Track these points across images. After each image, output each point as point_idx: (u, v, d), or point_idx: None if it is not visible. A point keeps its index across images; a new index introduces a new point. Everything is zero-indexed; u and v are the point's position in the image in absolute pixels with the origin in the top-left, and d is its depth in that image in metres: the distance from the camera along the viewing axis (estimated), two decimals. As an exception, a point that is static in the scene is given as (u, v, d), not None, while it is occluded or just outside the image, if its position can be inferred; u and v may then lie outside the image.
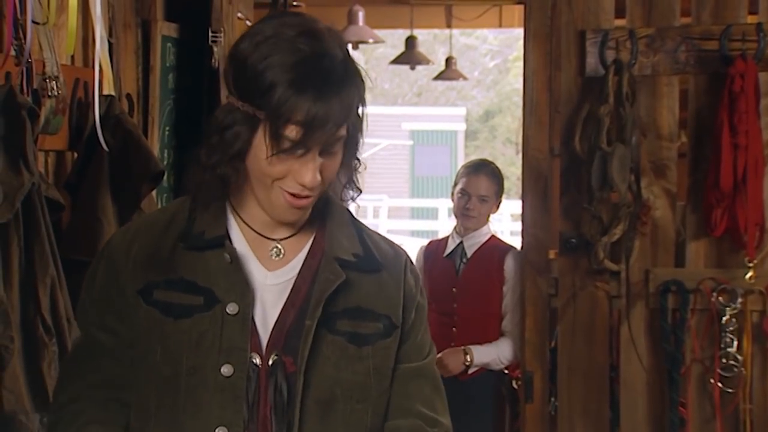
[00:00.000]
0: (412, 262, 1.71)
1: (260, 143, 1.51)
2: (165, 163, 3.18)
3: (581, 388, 3.57)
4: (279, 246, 1.61)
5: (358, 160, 1.61)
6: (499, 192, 3.90)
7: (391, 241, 1.72)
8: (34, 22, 2.17)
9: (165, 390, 1.56)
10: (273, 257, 1.61)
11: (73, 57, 2.56)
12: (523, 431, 3.66)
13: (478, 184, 3.86)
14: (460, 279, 3.83)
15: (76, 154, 2.57)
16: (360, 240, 1.65)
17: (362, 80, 1.54)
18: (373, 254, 1.65)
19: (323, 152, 1.52)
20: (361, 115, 1.55)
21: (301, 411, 1.55)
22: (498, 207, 3.92)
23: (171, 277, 1.57)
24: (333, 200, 1.65)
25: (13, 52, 2.12)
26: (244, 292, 1.56)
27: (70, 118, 2.50)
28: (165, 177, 2.79)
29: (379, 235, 1.71)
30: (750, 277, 3.40)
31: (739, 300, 3.41)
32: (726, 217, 3.35)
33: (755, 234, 3.36)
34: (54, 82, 2.29)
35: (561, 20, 3.52)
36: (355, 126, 1.55)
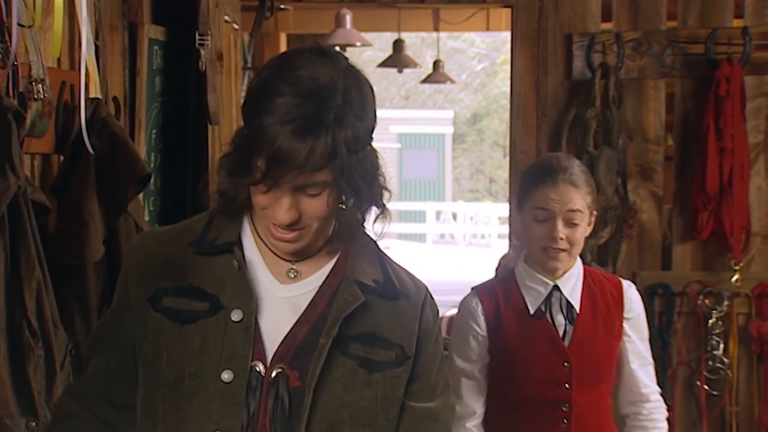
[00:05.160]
0: (432, 298, 1.69)
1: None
2: (151, 166, 3.17)
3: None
4: (295, 268, 1.61)
5: (377, 196, 1.57)
6: (592, 200, 2.47)
7: (413, 275, 1.70)
8: (19, 24, 2.16)
9: (170, 395, 1.56)
10: (290, 276, 1.61)
11: (59, 60, 2.55)
12: None
13: (563, 195, 2.41)
14: (573, 346, 2.46)
15: (62, 157, 2.56)
16: (382, 268, 1.64)
17: (361, 134, 1.49)
18: (394, 282, 1.63)
19: (301, 192, 1.50)
20: (351, 164, 1.49)
21: (306, 429, 1.55)
22: (592, 225, 2.49)
23: (181, 284, 1.58)
24: (360, 228, 1.62)
25: (-2, 55, 2.11)
26: (249, 299, 1.56)
27: (56, 121, 2.49)
28: (152, 180, 2.78)
29: (402, 267, 1.69)
30: (736, 280, 3.41)
31: (725, 303, 3.43)
32: (712, 220, 3.36)
33: (741, 237, 3.37)
34: (40, 85, 2.29)
35: (548, 24, 3.53)
36: (348, 174, 1.50)
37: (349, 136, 1.48)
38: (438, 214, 22.55)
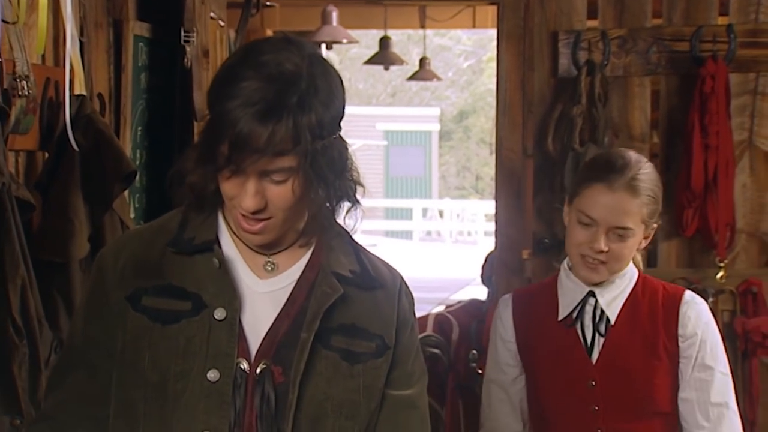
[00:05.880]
0: (406, 284, 1.69)
1: None
2: (137, 163, 3.16)
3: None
4: (271, 260, 1.60)
5: (348, 189, 1.56)
6: (653, 212, 2.14)
7: (387, 263, 1.70)
8: (4, 21, 2.15)
9: (153, 396, 1.55)
10: (267, 270, 1.60)
11: (43, 56, 2.54)
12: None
13: (615, 206, 2.10)
14: (600, 362, 2.15)
15: (47, 154, 2.55)
16: (357, 258, 1.63)
17: (324, 118, 1.47)
18: (370, 272, 1.63)
19: (265, 178, 1.49)
20: (317, 149, 1.48)
21: (293, 425, 1.54)
22: (650, 237, 2.19)
23: (159, 283, 1.57)
24: (331, 220, 1.61)
25: (-18, 52, 2.10)
26: (232, 297, 1.56)
27: (40, 117, 2.48)
28: (137, 177, 2.78)
29: (376, 256, 1.68)
30: (721, 277, 3.43)
31: (710, 300, 3.44)
32: (697, 218, 3.37)
33: (726, 234, 3.38)
34: (24, 81, 2.27)
35: (534, 21, 3.53)
36: (314, 159, 1.48)
37: (313, 122, 1.46)
38: (424, 211, 22.57)
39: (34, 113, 2.41)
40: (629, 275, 2.18)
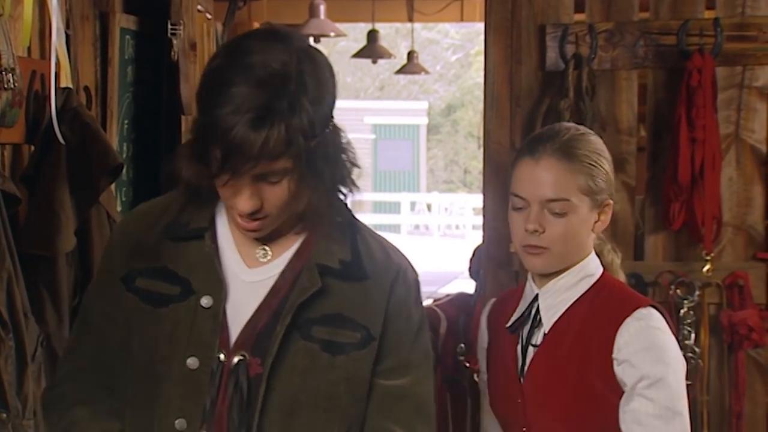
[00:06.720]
0: (407, 272, 1.64)
1: None
2: (124, 156, 3.15)
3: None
4: (266, 248, 1.60)
5: (344, 177, 1.56)
6: (597, 184, 1.86)
7: (390, 248, 1.65)
8: (-11, 13, 2.14)
9: (140, 377, 1.57)
10: (260, 258, 1.60)
11: (29, 49, 2.53)
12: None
13: (542, 175, 1.85)
14: (528, 379, 1.88)
15: (32, 148, 2.54)
16: (352, 247, 1.61)
17: (315, 117, 1.47)
18: (362, 262, 1.61)
19: (261, 180, 1.49)
20: (318, 143, 1.49)
21: (261, 416, 1.54)
22: (606, 219, 1.89)
23: (154, 266, 1.58)
24: (328, 209, 1.59)
25: (-33, 44, 2.09)
26: (219, 285, 1.57)
27: (26, 110, 2.47)
28: (124, 170, 2.77)
29: (379, 241, 1.65)
30: (707, 270, 3.44)
31: (697, 293, 3.45)
32: (684, 211, 3.38)
33: (712, 227, 3.39)
34: (10, 74, 2.26)
35: (521, 14, 3.53)
36: (310, 156, 1.49)
37: (304, 123, 1.47)
38: (412, 205, 22.59)
39: (20, 106, 2.40)
40: (582, 275, 1.84)
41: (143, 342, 1.57)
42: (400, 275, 1.64)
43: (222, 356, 1.55)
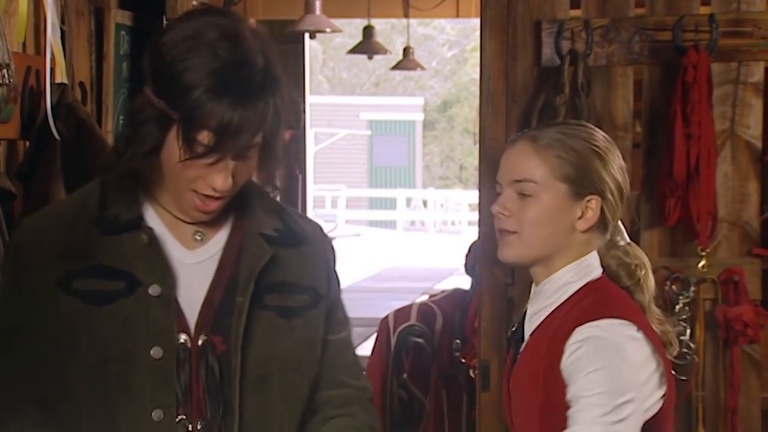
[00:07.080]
0: (328, 237, 1.76)
1: (173, 144, 1.51)
2: (119, 152, 3.15)
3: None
4: (200, 230, 1.61)
5: (277, 158, 1.60)
6: (572, 177, 1.78)
7: (308, 217, 1.78)
8: (-17, 8, 2.14)
9: (94, 379, 1.54)
10: (196, 239, 1.61)
11: (24, 44, 2.53)
12: (479, 420, 3.68)
13: (514, 157, 1.85)
14: (510, 382, 1.86)
15: (28, 143, 2.53)
16: (280, 216, 1.67)
17: (283, 86, 1.54)
18: (293, 229, 1.67)
19: (237, 157, 1.53)
20: (279, 119, 1.54)
21: (240, 390, 1.56)
22: (591, 219, 1.80)
23: (88, 265, 1.56)
24: (251, 181, 1.65)
25: (-38, 40, 2.09)
26: (165, 272, 1.56)
27: (21, 106, 2.47)
28: (119, 166, 2.76)
29: (295, 211, 1.75)
30: (703, 266, 3.44)
31: (692, 289, 3.46)
32: (679, 207, 3.38)
33: (708, 223, 3.40)
34: (5, 70, 2.26)
35: (517, 10, 3.53)
36: (273, 131, 1.54)
37: (279, 95, 1.52)
38: (408, 201, 22.59)
39: (15, 102, 2.40)
40: (564, 280, 1.75)
41: (93, 343, 1.53)
42: (327, 240, 1.74)
43: (184, 340, 1.55)
